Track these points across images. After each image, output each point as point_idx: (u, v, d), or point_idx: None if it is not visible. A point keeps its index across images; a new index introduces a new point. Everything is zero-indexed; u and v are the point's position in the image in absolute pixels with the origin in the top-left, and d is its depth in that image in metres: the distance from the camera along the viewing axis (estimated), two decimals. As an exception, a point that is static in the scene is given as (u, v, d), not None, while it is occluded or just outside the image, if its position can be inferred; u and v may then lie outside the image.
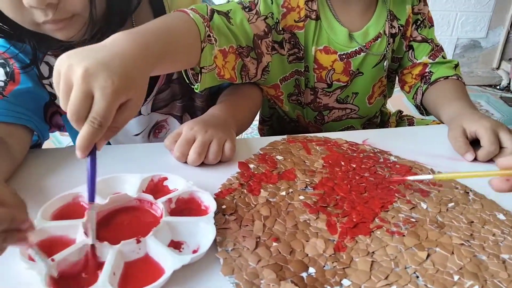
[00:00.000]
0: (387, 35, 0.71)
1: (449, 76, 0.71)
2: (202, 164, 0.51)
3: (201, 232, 0.38)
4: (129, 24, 0.58)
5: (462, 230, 0.41)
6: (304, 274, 0.36)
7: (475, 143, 0.56)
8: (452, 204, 0.45)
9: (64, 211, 0.40)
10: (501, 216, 0.43)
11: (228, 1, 0.63)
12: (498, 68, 2.43)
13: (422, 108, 0.76)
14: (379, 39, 0.70)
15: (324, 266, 0.37)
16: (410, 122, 0.84)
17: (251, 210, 0.43)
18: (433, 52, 0.74)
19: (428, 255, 0.38)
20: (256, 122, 0.90)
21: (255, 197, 0.45)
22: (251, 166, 0.51)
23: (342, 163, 0.52)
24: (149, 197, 0.41)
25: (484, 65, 2.43)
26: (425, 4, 0.74)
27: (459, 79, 0.71)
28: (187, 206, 0.42)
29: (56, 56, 0.58)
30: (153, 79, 0.63)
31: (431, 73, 0.73)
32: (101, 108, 0.33)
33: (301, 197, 0.45)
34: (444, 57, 0.75)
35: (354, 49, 0.69)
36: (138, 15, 0.58)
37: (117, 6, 0.52)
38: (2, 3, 0.46)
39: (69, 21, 0.48)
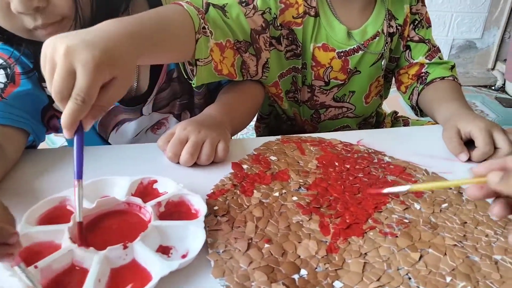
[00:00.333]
0: (385, 34, 0.71)
1: (445, 77, 0.71)
2: (195, 165, 0.51)
3: (191, 236, 0.37)
4: None
5: (455, 231, 0.41)
6: (296, 276, 0.35)
7: (469, 143, 0.55)
8: (446, 204, 0.45)
9: (50, 215, 0.39)
10: (495, 217, 0.43)
11: None
12: (493, 69, 2.44)
13: (418, 109, 0.76)
14: (377, 37, 0.70)
15: (316, 268, 0.36)
16: (405, 122, 0.84)
17: (243, 211, 0.43)
18: (430, 52, 0.74)
19: (421, 256, 0.38)
20: (252, 121, 0.90)
21: (248, 198, 0.45)
22: (245, 166, 0.51)
23: (336, 163, 0.52)
24: (138, 201, 0.40)
25: (479, 65, 2.44)
26: (423, 4, 0.75)
27: (455, 80, 0.71)
28: (176, 210, 0.41)
29: None
30: (153, 78, 0.63)
31: (427, 74, 0.73)
32: (83, 84, 0.33)
33: (294, 198, 0.45)
34: (440, 58, 0.75)
35: (352, 47, 0.69)
36: (134, 11, 0.58)
37: (104, 6, 0.52)
38: None
39: (59, 24, 0.48)
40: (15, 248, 0.29)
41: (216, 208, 0.43)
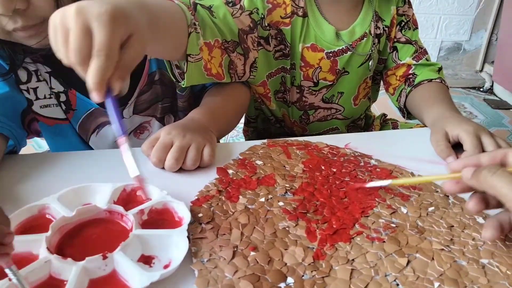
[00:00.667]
0: (373, 35, 0.71)
1: (432, 79, 0.71)
2: (180, 170, 0.50)
3: (173, 245, 0.36)
4: None
5: (442, 235, 0.41)
6: (282, 285, 0.34)
7: (457, 146, 0.55)
8: (433, 208, 0.44)
9: (28, 225, 0.38)
10: (481, 220, 0.43)
11: None
12: (481, 71, 2.47)
13: (405, 111, 0.76)
14: (365, 38, 0.71)
15: (303, 276, 0.35)
16: (394, 125, 0.84)
17: (228, 218, 0.42)
18: (417, 54, 0.74)
19: (409, 262, 0.37)
20: (241, 124, 0.89)
21: (233, 204, 0.44)
22: (230, 171, 0.50)
23: (323, 167, 0.51)
24: (119, 209, 0.39)
25: (467, 67, 2.48)
26: (410, 6, 0.75)
27: (443, 82, 0.72)
28: (160, 217, 0.40)
29: (35, 61, 0.56)
30: (134, 81, 0.62)
31: (414, 76, 0.74)
32: (102, 38, 0.31)
33: (281, 203, 0.44)
34: (428, 60, 0.75)
35: (340, 48, 0.70)
36: None
37: None
38: None
39: (39, 27, 0.47)
40: (10, 248, 0.29)
41: (200, 215, 0.42)
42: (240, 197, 0.45)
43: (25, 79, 0.56)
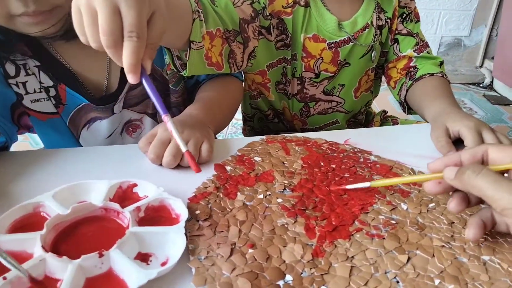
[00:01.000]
0: (375, 27, 0.71)
1: (434, 73, 0.70)
2: (178, 166, 0.49)
3: (171, 243, 0.35)
4: None
5: (443, 231, 0.40)
6: (281, 282, 0.34)
7: (458, 142, 0.55)
8: (433, 204, 0.44)
9: (22, 223, 0.37)
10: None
11: None
12: (481, 66, 2.46)
13: (406, 105, 0.75)
14: (367, 29, 0.70)
15: (301, 273, 0.35)
16: (395, 122, 0.84)
17: (226, 215, 0.41)
18: (418, 46, 0.74)
19: (409, 259, 0.37)
20: (240, 121, 0.89)
21: (231, 201, 0.43)
22: (228, 168, 0.49)
23: (322, 163, 0.51)
24: (115, 206, 0.38)
25: (467, 63, 2.47)
26: None
27: (444, 76, 0.71)
28: (157, 215, 0.40)
29: (23, 54, 0.55)
30: (125, 75, 0.61)
31: (416, 69, 0.73)
32: (133, 18, 0.32)
33: (279, 200, 0.44)
34: (429, 53, 0.74)
35: (342, 38, 0.69)
36: None
37: None
38: None
39: (48, 14, 0.46)
40: None
41: (198, 212, 0.41)
42: (238, 193, 0.44)
43: (13, 73, 0.55)
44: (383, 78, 0.83)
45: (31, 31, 0.48)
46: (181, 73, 0.55)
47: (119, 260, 0.33)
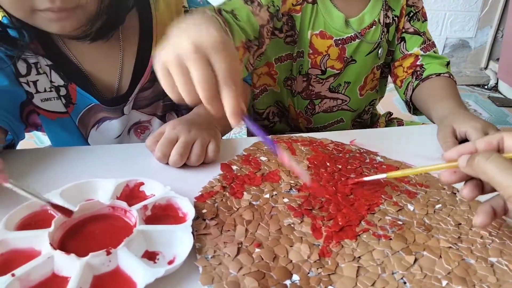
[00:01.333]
0: (382, 24, 0.71)
1: (441, 74, 0.70)
2: (184, 166, 0.49)
3: (178, 241, 0.36)
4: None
5: (450, 232, 0.40)
6: (287, 282, 0.34)
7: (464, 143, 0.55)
8: (440, 205, 0.44)
9: (30, 221, 0.37)
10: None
11: None
12: (486, 68, 2.45)
13: (411, 105, 0.75)
14: (374, 27, 0.71)
15: (308, 273, 0.35)
16: (400, 124, 0.84)
17: (233, 214, 0.41)
18: (425, 45, 0.74)
19: (416, 260, 0.37)
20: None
21: (238, 200, 0.43)
22: (234, 167, 0.49)
23: (328, 163, 0.51)
24: (123, 204, 0.38)
25: (472, 64, 2.46)
26: None
27: (451, 77, 0.71)
28: (164, 213, 0.40)
29: (35, 53, 0.55)
30: (136, 76, 0.61)
31: (422, 68, 0.73)
32: (225, 66, 0.33)
33: (285, 200, 0.44)
34: (436, 53, 0.74)
35: (349, 35, 0.70)
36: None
37: (117, 3, 0.52)
38: None
39: (71, 12, 0.46)
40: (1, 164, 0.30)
41: (204, 211, 0.41)
42: (245, 193, 0.44)
43: (25, 72, 0.56)
44: (389, 79, 0.83)
45: (50, 28, 0.48)
46: None
47: (126, 258, 0.33)
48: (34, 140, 1.57)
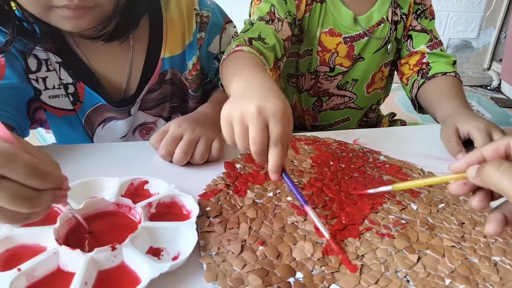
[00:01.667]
0: (390, 22, 0.72)
1: (447, 73, 0.70)
2: (188, 164, 0.49)
3: (182, 238, 0.36)
4: None
5: (453, 231, 0.40)
6: (291, 280, 0.34)
7: (468, 143, 0.55)
8: (443, 204, 0.44)
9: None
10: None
11: (251, 23, 0.66)
12: (489, 69, 2.44)
13: (417, 103, 0.75)
14: (382, 24, 0.72)
15: (312, 271, 0.35)
16: (403, 125, 0.84)
17: (236, 212, 0.41)
18: (431, 43, 0.74)
19: (419, 258, 0.37)
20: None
21: (241, 198, 0.43)
22: (238, 166, 0.50)
23: (331, 163, 0.51)
24: (128, 201, 0.39)
25: (475, 65, 2.45)
26: None
27: (457, 76, 0.71)
28: (168, 211, 0.40)
29: (46, 49, 0.55)
30: (145, 78, 0.61)
31: (428, 66, 0.73)
32: (279, 131, 0.37)
33: (289, 198, 0.44)
34: (442, 51, 0.74)
35: (358, 33, 0.71)
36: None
37: (132, 6, 0.53)
38: None
39: (87, 10, 0.47)
40: (66, 191, 0.32)
41: (208, 209, 0.41)
42: (248, 191, 0.45)
43: (35, 68, 0.56)
44: (394, 79, 0.83)
45: (64, 26, 0.48)
46: None
47: (131, 253, 0.33)
48: (37, 138, 1.58)
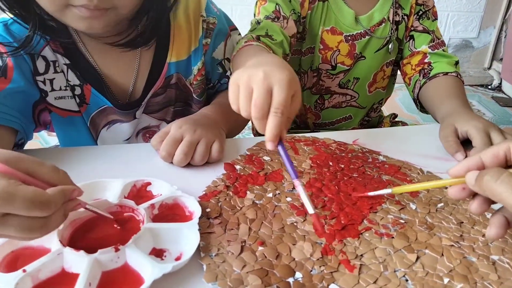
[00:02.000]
0: (391, 22, 0.73)
1: (448, 73, 0.70)
2: (188, 165, 0.50)
3: (184, 238, 0.36)
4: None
5: (452, 231, 0.40)
6: (290, 280, 0.34)
7: (466, 143, 0.55)
8: (442, 204, 0.44)
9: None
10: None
11: (257, 22, 0.66)
12: (489, 68, 2.44)
13: (419, 103, 0.75)
14: (383, 24, 0.73)
15: (311, 271, 0.35)
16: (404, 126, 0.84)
17: (236, 213, 0.42)
18: (433, 43, 0.74)
19: (418, 258, 0.37)
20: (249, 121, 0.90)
21: (241, 199, 0.44)
22: (237, 167, 0.50)
23: (330, 163, 0.51)
24: (130, 203, 0.39)
25: (475, 65, 2.45)
26: None
27: (459, 76, 0.71)
28: (171, 212, 0.40)
29: (55, 51, 0.56)
30: (150, 82, 0.62)
31: (430, 66, 0.73)
32: (281, 98, 0.37)
33: (288, 199, 0.44)
34: (445, 51, 0.74)
35: (359, 32, 0.72)
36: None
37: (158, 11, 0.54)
38: None
39: (104, 12, 0.47)
40: (80, 199, 0.33)
41: (208, 210, 0.42)
42: (248, 192, 0.45)
43: (43, 70, 0.56)
44: (397, 79, 0.84)
45: (78, 26, 0.48)
46: None
47: (134, 254, 0.33)
48: (39, 140, 1.59)
